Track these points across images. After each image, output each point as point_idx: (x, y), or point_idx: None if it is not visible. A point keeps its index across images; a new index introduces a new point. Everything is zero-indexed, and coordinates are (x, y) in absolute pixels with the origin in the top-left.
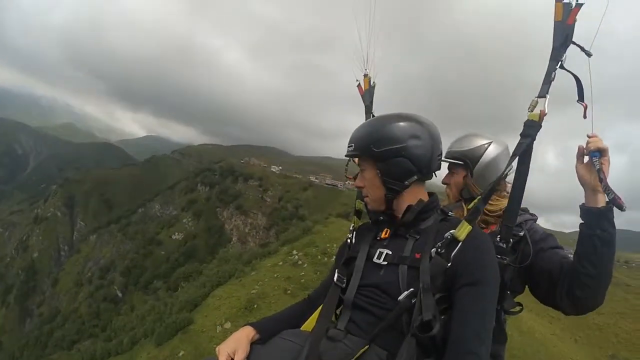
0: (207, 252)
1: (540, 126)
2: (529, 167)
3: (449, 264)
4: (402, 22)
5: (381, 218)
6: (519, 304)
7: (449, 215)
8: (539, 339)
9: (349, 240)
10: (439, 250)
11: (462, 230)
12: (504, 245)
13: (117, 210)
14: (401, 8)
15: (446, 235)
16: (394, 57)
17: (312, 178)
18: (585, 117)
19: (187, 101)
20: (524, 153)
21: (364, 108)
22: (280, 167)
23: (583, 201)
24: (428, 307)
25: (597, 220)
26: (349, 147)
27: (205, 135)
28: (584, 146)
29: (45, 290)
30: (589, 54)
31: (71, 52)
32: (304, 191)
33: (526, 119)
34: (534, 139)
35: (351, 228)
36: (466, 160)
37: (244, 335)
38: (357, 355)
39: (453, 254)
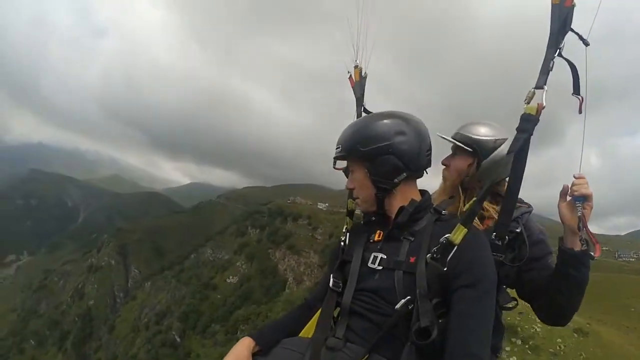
0: (263, 294)
1: (538, 120)
2: (525, 165)
3: (445, 269)
4: (421, 48)
5: (373, 219)
6: (514, 299)
7: (443, 214)
8: (618, 352)
9: (342, 243)
10: (435, 255)
11: (458, 234)
12: (500, 243)
13: (169, 256)
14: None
15: (441, 240)
16: (413, 86)
17: (358, 211)
18: (580, 111)
19: (225, 146)
20: (520, 150)
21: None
22: (327, 204)
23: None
24: (425, 313)
25: (571, 261)
26: (336, 149)
27: (246, 178)
28: (569, 186)
29: (102, 336)
30: (586, 43)
31: (110, 107)
32: None
33: (522, 112)
34: (531, 134)
35: (344, 230)
36: (476, 149)
37: (244, 348)
38: None
39: (449, 258)
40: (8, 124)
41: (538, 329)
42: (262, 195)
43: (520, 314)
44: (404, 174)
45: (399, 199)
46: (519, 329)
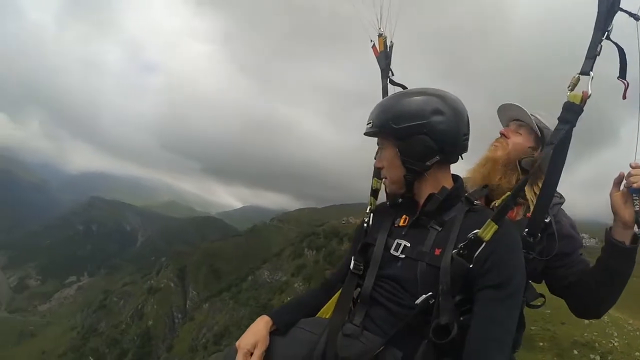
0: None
1: (582, 110)
2: (565, 158)
3: (471, 265)
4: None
5: (400, 201)
6: (542, 295)
7: (475, 204)
8: None
9: (365, 225)
10: (461, 251)
11: (488, 231)
12: (532, 240)
13: (226, 278)
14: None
15: (469, 235)
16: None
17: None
18: (624, 97)
19: (275, 170)
20: (561, 142)
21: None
22: None
23: None
24: (446, 310)
25: (620, 256)
26: (367, 124)
27: (298, 200)
28: (625, 175)
29: (160, 355)
30: (636, 17)
31: (164, 138)
32: None
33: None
34: (574, 126)
35: (367, 210)
36: (543, 136)
37: (263, 327)
38: (372, 355)
39: (476, 254)
40: (69, 155)
41: (616, 344)
42: (314, 217)
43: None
44: (437, 157)
45: (430, 184)
46: (596, 344)
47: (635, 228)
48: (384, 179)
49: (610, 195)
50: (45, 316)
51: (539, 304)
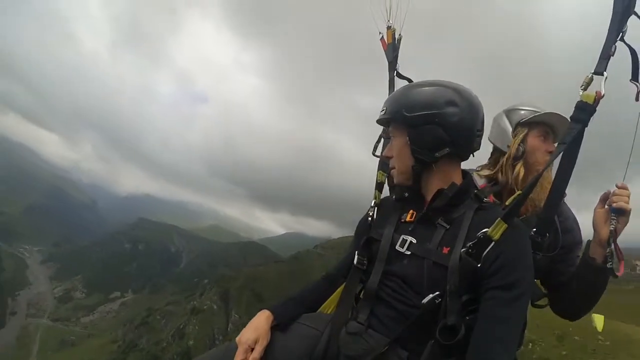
0: None
1: (595, 110)
2: (576, 158)
3: (479, 265)
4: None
5: (406, 194)
6: (546, 295)
7: (485, 202)
8: None
9: (369, 218)
10: (470, 250)
11: (498, 230)
12: (540, 240)
13: (268, 303)
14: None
15: (478, 234)
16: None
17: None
18: (637, 99)
19: (318, 197)
20: (573, 141)
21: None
22: None
23: None
24: (453, 311)
25: (590, 272)
26: (381, 112)
27: (341, 227)
28: (610, 192)
29: None
30: None
31: (211, 164)
32: None
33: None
34: (586, 125)
35: (372, 204)
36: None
37: (264, 322)
38: (376, 354)
39: (485, 253)
40: (119, 178)
41: None
42: None
43: None
44: (447, 149)
45: (438, 179)
46: None
47: (607, 248)
48: (391, 169)
49: (594, 210)
50: (87, 327)
51: (543, 304)
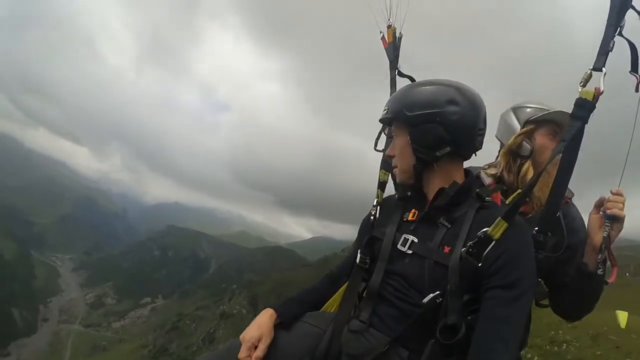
0: None
1: (594, 106)
2: (577, 156)
3: (479, 264)
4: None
5: (409, 194)
6: (548, 294)
7: (487, 201)
8: None
9: (372, 217)
10: (471, 250)
11: (498, 229)
12: (542, 239)
13: None
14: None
15: (479, 234)
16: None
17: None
18: (637, 90)
19: (343, 201)
20: (573, 139)
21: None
22: None
23: None
24: (454, 310)
25: (583, 277)
26: (383, 111)
27: None
28: (605, 198)
29: None
30: None
31: (236, 171)
32: None
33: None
34: (586, 122)
35: (374, 203)
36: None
37: (267, 320)
38: (377, 353)
39: (486, 252)
40: (148, 187)
41: None
42: None
43: None
44: (448, 148)
45: (440, 178)
46: None
47: (600, 255)
48: (394, 169)
49: (589, 216)
50: (118, 333)
51: (547, 303)
